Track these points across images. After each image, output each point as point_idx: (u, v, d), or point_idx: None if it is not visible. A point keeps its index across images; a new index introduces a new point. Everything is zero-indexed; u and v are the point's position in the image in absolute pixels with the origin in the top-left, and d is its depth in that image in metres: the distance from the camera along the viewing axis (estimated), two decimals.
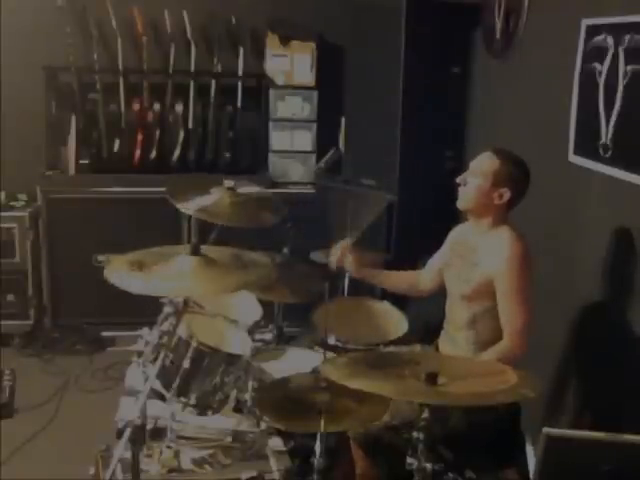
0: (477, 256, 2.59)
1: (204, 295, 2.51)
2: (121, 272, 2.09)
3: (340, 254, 2.87)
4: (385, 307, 2.95)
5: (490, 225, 2.59)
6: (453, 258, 2.74)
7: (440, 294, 2.81)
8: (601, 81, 2.81)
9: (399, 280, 2.96)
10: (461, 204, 2.63)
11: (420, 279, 2.92)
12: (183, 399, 2.36)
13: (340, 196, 4.21)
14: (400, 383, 1.89)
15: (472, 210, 2.63)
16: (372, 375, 1.95)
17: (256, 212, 2.75)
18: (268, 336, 3.16)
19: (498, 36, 3.79)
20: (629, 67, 2.65)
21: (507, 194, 2.54)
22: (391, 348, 2.75)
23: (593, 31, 2.88)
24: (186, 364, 2.33)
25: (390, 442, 2.41)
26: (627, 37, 2.65)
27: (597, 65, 2.84)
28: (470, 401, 1.92)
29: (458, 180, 2.62)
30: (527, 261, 2.51)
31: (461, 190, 2.62)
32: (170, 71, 4.56)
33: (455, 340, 2.66)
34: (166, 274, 2.13)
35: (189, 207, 2.61)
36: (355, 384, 1.90)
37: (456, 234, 2.82)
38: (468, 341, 2.60)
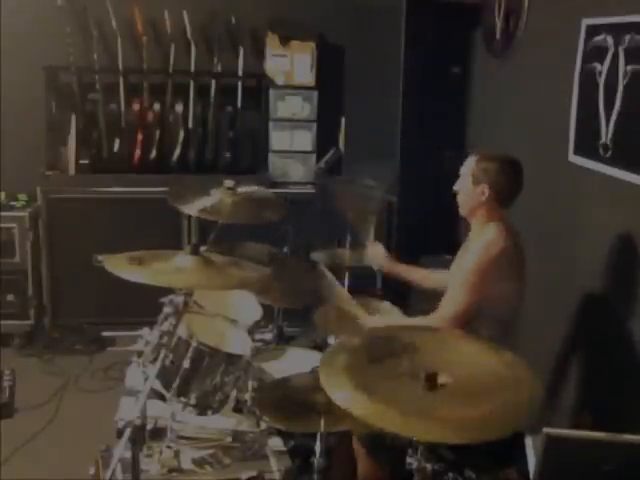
0: (465, 256, 2.62)
1: (203, 288, 2.50)
2: (121, 265, 2.10)
3: (377, 249, 3.02)
4: (385, 307, 2.95)
5: (482, 224, 2.62)
6: (453, 265, 2.76)
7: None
8: (601, 81, 2.81)
9: (426, 278, 2.99)
10: (460, 211, 2.69)
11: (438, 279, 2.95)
12: (183, 399, 2.36)
13: (340, 196, 4.22)
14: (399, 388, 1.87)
15: (468, 214, 2.67)
16: (370, 375, 1.93)
17: (257, 209, 2.76)
18: (268, 336, 3.16)
19: (498, 36, 3.79)
20: (629, 67, 2.65)
21: (486, 190, 2.56)
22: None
23: (593, 31, 2.88)
24: (186, 364, 2.33)
25: (393, 442, 2.40)
26: (627, 37, 2.65)
27: (597, 65, 2.84)
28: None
29: (453, 189, 2.67)
30: (496, 254, 2.49)
31: (458, 198, 2.67)
32: (170, 71, 4.56)
33: None
34: (165, 269, 2.14)
35: (192, 209, 2.62)
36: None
37: None
38: None
